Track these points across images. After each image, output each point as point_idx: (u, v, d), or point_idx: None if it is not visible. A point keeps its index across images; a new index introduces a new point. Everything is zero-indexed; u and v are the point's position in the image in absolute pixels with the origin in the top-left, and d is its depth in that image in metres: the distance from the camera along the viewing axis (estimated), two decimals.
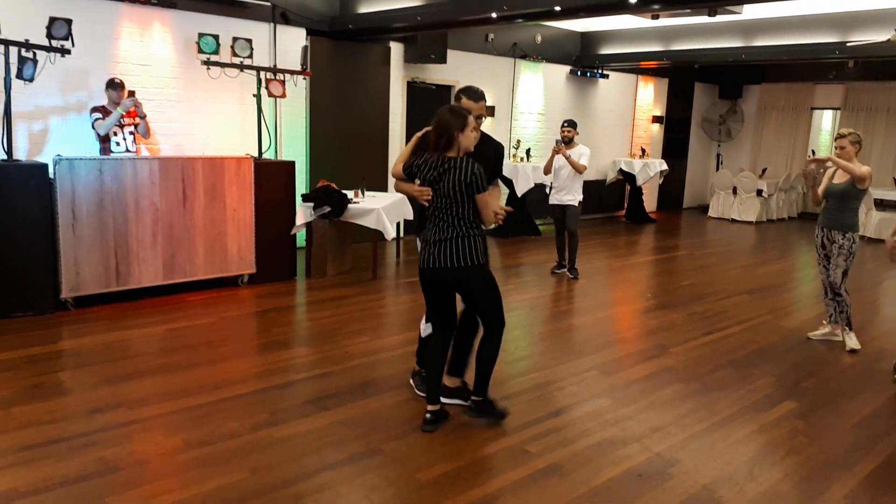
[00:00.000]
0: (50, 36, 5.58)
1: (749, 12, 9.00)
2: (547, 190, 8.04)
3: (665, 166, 12.67)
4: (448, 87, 9.90)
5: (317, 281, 7.16)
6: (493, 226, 3.77)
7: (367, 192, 7.64)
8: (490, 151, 3.99)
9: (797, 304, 7.15)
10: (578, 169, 7.46)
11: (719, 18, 9.32)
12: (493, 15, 6.97)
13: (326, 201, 6.95)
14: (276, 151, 8.00)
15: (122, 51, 6.95)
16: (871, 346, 5.63)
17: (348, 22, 8.35)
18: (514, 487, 3.26)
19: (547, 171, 7.77)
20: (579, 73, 11.69)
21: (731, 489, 3.31)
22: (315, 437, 3.67)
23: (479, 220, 3.70)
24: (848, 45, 8.90)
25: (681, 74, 13.58)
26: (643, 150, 12.94)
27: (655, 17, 9.32)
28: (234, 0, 7.51)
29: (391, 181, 8.95)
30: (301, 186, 8.03)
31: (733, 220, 13.11)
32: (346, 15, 8.42)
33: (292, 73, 7.30)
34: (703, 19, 9.67)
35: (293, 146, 8.39)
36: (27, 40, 5.48)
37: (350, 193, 7.30)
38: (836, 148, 5.42)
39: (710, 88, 14.54)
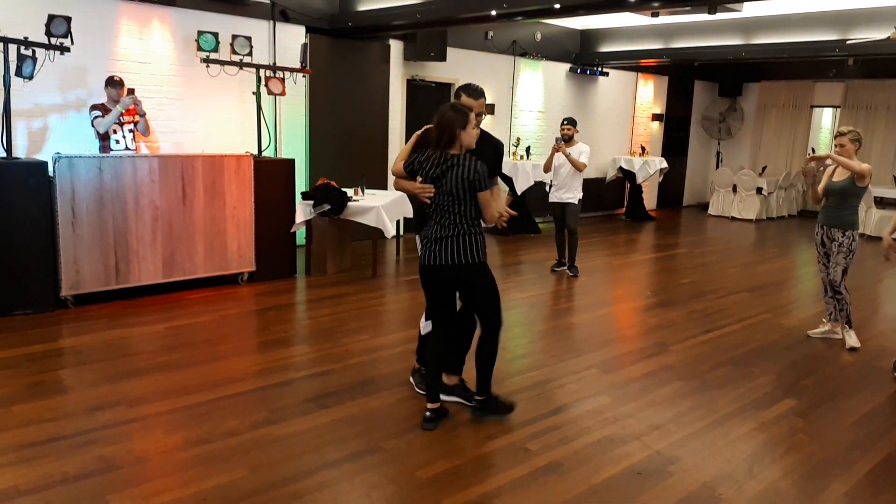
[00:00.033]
0: (49, 33, 5.58)
1: (749, 10, 8.99)
2: (547, 188, 8.03)
3: (665, 164, 12.67)
4: (448, 85, 9.90)
5: (316, 279, 7.16)
6: (492, 224, 3.78)
7: (366, 190, 7.64)
8: (490, 149, 3.99)
9: (797, 302, 7.16)
10: (578, 167, 7.46)
11: (719, 16, 9.28)
12: (493, 12, 6.97)
13: (326, 199, 6.95)
14: (275, 149, 7.99)
15: (121, 48, 6.95)
16: (871, 343, 5.64)
17: (348, 19, 8.34)
18: (514, 485, 3.26)
19: (547, 169, 7.77)
20: (579, 70, 11.68)
21: (731, 487, 3.32)
22: (315, 435, 3.68)
23: (480, 218, 3.71)
24: (848, 42, 8.90)
25: (681, 72, 13.57)
26: (643, 148, 12.94)
27: (655, 14, 9.28)
28: None
29: (391, 179, 8.96)
30: (301, 184, 8.03)
31: (733, 218, 13.12)
32: (346, 12, 8.41)
33: (292, 70, 7.29)
34: (703, 17, 9.66)
35: (293, 144, 8.38)
36: (26, 38, 5.48)
37: (350, 191, 7.30)
38: (835, 146, 5.42)
39: (709, 86, 14.54)
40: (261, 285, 6.71)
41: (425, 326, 4.21)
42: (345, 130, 8.83)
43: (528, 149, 10.84)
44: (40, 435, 3.55)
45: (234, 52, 6.85)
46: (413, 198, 3.97)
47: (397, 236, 8.54)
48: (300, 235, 7.59)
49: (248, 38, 6.93)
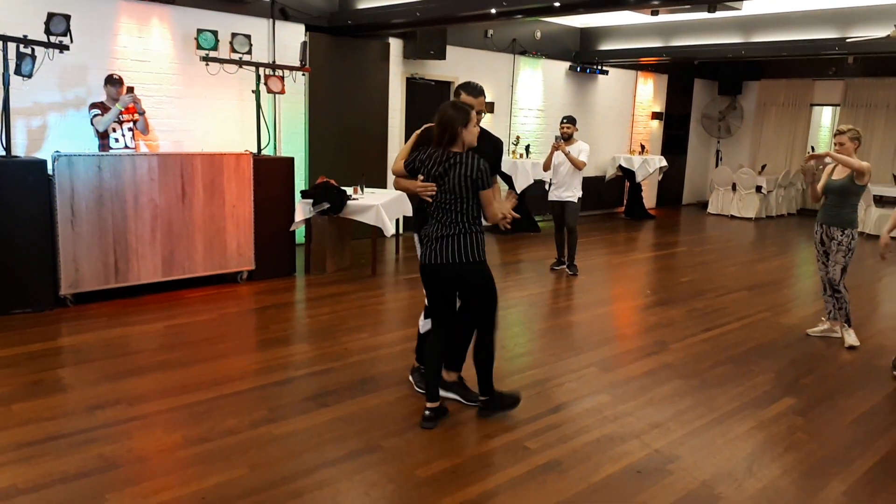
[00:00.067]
0: (48, 32, 5.57)
1: (748, 8, 8.98)
2: (546, 186, 8.03)
3: (664, 163, 12.66)
4: (447, 84, 9.89)
5: (316, 277, 7.16)
6: (494, 223, 3.79)
7: (366, 189, 7.64)
8: (489, 147, 3.99)
9: (796, 300, 7.16)
10: (578, 165, 7.46)
11: (719, 14, 9.28)
12: (493, 11, 6.96)
13: (325, 198, 6.95)
14: (275, 148, 8.00)
15: (120, 47, 6.94)
16: (870, 342, 5.64)
17: (347, 18, 8.33)
18: (513, 484, 3.26)
19: (546, 167, 7.77)
20: (579, 69, 11.67)
21: (730, 485, 3.32)
22: (314, 434, 3.68)
23: (481, 217, 3.71)
24: (847, 41, 8.89)
25: (680, 70, 13.57)
26: (642, 147, 12.93)
27: (655, 13, 9.28)
28: None
29: (390, 178, 8.94)
30: (300, 183, 8.02)
31: (732, 217, 13.12)
32: (345, 11, 8.40)
33: (291, 69, 7.29)
34: (703, 15, 9.65)
35: (292, 142, 8.38)
36: (25, 36, 5.47)
37: (349, 190, 7.30)
38: (835, 144, 5.42)
39: (709, 85, 14.53)
40: (260, 284, 6.70)
41: (424, 325, 4.22)
42: (344, 129, 8.83)
43: (527, 147, 10.83)
44: (39, 434, 3.55)
45: (233, 50, 6.84)
46: (412, 196, 3.97)
47: (396, 235, 8.54)
48: (299, 234, 7.59)
49: (248, 37, 6.92)
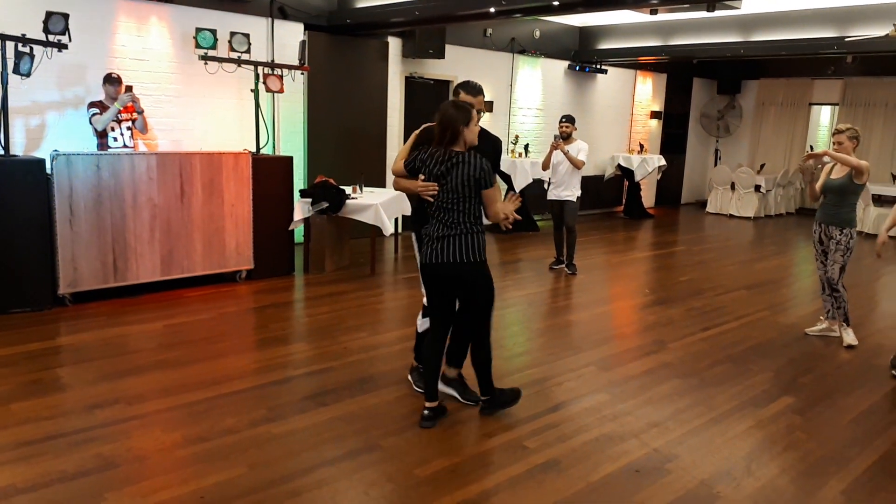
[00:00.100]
0: (47, 31, 5.57)
1: (747, 7, 8.99)
2: (545, 186, 8.03)
3: (663, 162, 12.66)
4: (446, 83, 9.89)
5: (315, 277, 7.16)
6: (496, 222, 3.79)
7: (365, 188, 7.64)
8: (488, 147, 3.99)
9: (795, 299, 7.17)
10: (577, 164, 7.46)
11: (718, 13, 9.30)
12: (492, 10, 6.96)
13: (324, 197, 6.94)
14: (273, 147, 7.99)
15: (119, 46, 6.93)
16: (869, 341, 5.64)
17: (346, 17, 8.33)
18: (512, 483, 3.27)
19: (545, 166, 7.77)
20: (578, 68, 11.67)
21: (729, 484, 3.32)
22: (313, 433, 3.68)
23: (482, 217, 3.71)
24: (846, 40, 8.90)
25: (679, 70, 13.56)
26: (641, 146, 12.94)
27: (654, 11, 9.30)
28: None
29: (389, 177, 8.95)
30: (299, 182, 8.02)
31: (731, 216, 13.12)
32: (344, 10, 8.39)
33: (290, 68, 7.28)
34: (702, 14, 9.66)
35: (291, 141, 8.37)
36: (24, 35, 5.47)
37: (348, 189, 7.29)
38: (833, 143, 5.42)
39: (708, 84, 14.53)
40: (259, 283, 6.70)
41: (422, 324, 4.22)
42: (343, 128, 8.82)
43: (526, 146, 10.83)
44: (38, 433, 3.55)
45: (232, 49, 6.84)
46: (411, 196, 3.96)
47: (395, 234, 8.53)
48: (298, 233, 7.58)
49: (247, 36, 6.92)
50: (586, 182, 8.38)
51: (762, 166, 13.60)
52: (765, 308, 6.60)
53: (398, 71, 9.40)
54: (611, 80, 12.45)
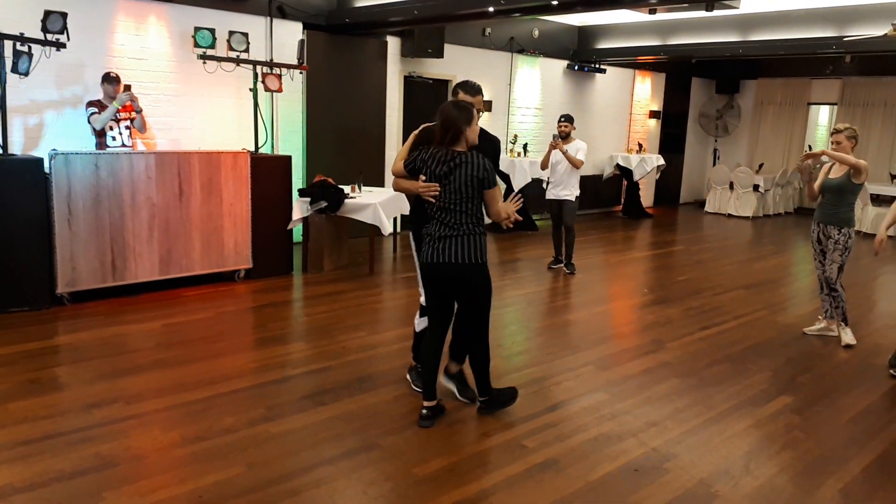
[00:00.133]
0: (45, 29, 5.56)
1: (746, 7, 8.99)
2: (544, 185, 8.03)
3: (662, 161, 12.66)
4: (445, 82, 9.89)
5: (313, 276, 7.15)
6: (497, 221, 3.79)
7: (363, 187, 7.63)
8: (487, 146, 3.98)
9: (793, 299, 7.17)
10: (575, 164, 7.46)
11: (716, 13, 9.30)
12: (491, 9, 6.95)
13: (323, 196, 6.94)
14: (272, 146, 7.99)
15: (117, 45, 6.92)
16: (867, 341, 5.65)
17: (345, 16, 8.32)
18: (511, 482, 3.27)
19: (544, 166, 7.77)
20: (576, 67, 11.67)
21: (727, 483, 3.33)
22: (312, 433, 3.68)
23: (484, 218, 3.70)
24: (845, 39, 8.90)
25: (678, 69, 13.57)
26: (640, 145, 12.94)
27: (653, 11, 9.30)
28: None
29: (388, 176, 8.95)
30: (297, 181, 8.02)
31: (730, 216, 13.13)
32: (343, 9, 8.39)
33: (289, 67, 7.27)
34: (701, 14, 9.66)
35: (290, 141, 8.37)
36: (22, 34, 5.45)
37: (347, 188, 7.29)
38: (832, 143, 5.43)
39: (707, 83, 14.54)
40: (257, 282, 6.70)
41: (420, 323, 4.22)
42: (342, 127, 8.82)
43: (525, 146, 10.83)
44: (36, 432, 3.54)
45: (230, 48, 6.83)
46: (410, 195, 3.95)
47: (394, 233, 8.53)
48: (297, 232, 7.58)
49: (245, 35, 6.91)
50: (585, 181, 8.38)
51: (761, 166, 13.61)
52: (763, 307, 6.60)
53: (397, 70, 9.39)
54: (609, 79, 12.45)
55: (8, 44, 5.41)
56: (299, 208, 7.03)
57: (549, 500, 3.13)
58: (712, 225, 12.27)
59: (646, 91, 13.32)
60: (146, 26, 7.09)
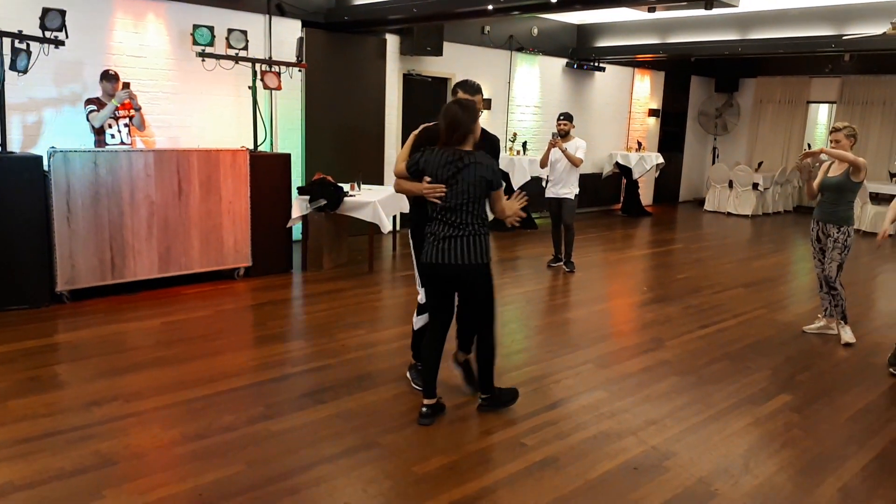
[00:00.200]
0: (43, 27, 5.55)
1: (745, 5, 8.97)
2: (543, 183, 8.03)
3: (661, 160, 12.67)
4: (444, 80, 9.88)
5: (313, 274, 7.15)
6: (502, 219, 3.79)
7: (363, 185, 7.63)
8: (488, 146, 3.98)
9: (792, 297, 7.18)
10: (575, 162, 7.46)
11: (716, 11, 9.28)
12: (490, 7, 6.94)
13: (322, 194, 6.94)
14: (271, 144, 7.98)
15: (116, 42, 6.91)
16: (866, 339, 5.65)
17: (344, 14, 8.31)
18: (511, 480, 3.27)
19: (543, 164, 7.77)
20: (576, 65, 11.66)
21: (727, 482, 3.33)
22: (311, 431, 3.68)
23: (487, 218, 3.70)
24: (844, 38, 8.90)
25: (677, 67, 13.56)
26: (639, 144, 12.94)
27: (652, 9, 9.28)
28: None
29: (388, 174, 8.96)
30: (297, 179, 8.01)
31: (729, 214, 13.13)
32: (342, 7, 8.38)
33: (288, 65, 7.27)
34: (700, 12, 9.65)
35: (289, 139, 8.36)
36: (20, 31, 5.44)
37: (346, 186, 7.28)
38: (831, 141, 5.43)
39: (706, 82, 14.54)
40: (257, 280, 6.69)
41: (418, 322, 4.22)
42: (341, 125, 8.81)
43: (524, 144, 10.83)
44: (36, 430, 3.54)
45: (229, 46, 6.83)
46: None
47: (394, 231, 8.52)
48: (296, 230, 7.57)
49: (244, 32, 6.90)
50: (584, 180, 8.38)
51: (760, 164, 13.61)
52: (762, 306, 6.61)
53: (396, 68, 9.38)
54: (609, 77, 12.45)
55: (6, 41, 5.40)
56: (298, 206, 7.03)
57: (549, 498, 3.13)
58: (711, 223, 12.27)
59: (645, 89, 13.32)
60: (145, 24, 7.08)
